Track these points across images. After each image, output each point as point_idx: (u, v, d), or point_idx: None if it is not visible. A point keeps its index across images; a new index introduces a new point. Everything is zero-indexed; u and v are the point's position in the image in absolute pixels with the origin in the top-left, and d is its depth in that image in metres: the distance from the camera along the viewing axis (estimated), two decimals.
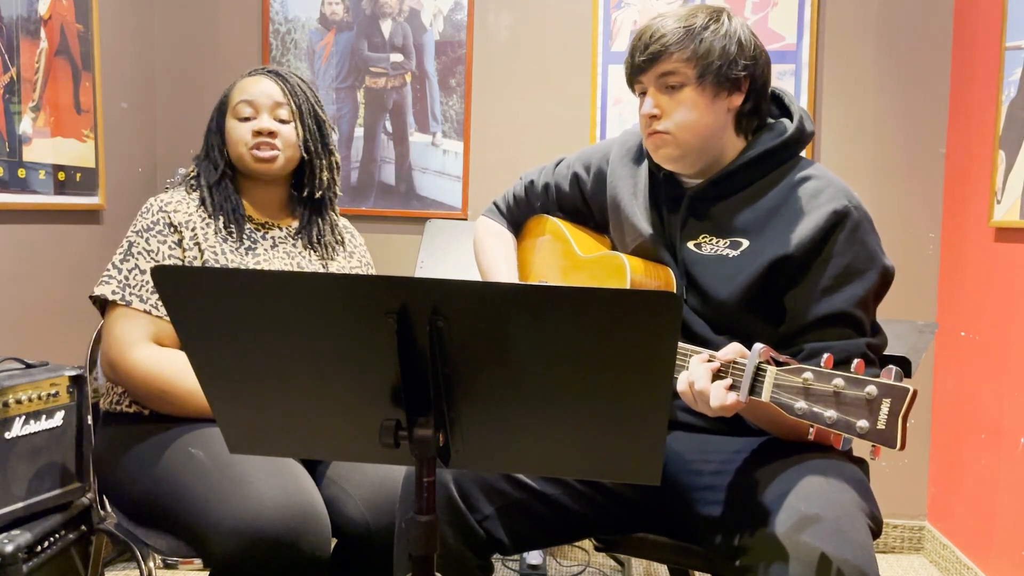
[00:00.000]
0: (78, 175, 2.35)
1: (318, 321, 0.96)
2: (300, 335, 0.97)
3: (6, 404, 1.58)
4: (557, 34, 2.82)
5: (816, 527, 1.18)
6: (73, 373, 1.69)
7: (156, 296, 1.55)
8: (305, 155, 1.69)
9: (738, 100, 1.41)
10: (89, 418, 1.72)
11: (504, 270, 1.69)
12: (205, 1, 2.87)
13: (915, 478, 2.82)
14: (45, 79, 2.20)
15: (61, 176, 2.28)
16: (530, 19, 2.82)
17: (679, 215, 1.47)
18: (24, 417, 1.62)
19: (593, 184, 1.62)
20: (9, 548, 1.54)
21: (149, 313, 1.55)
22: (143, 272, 1.56)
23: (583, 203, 1.66)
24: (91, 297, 1.60)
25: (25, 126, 2.13)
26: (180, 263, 1.57)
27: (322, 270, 1.70)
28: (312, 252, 1.72)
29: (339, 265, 1.75)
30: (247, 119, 1.65)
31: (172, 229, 1.59)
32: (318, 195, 1.72)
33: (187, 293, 0.97)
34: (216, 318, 0.98)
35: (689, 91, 1.38)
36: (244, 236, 1.64)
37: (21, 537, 1.57)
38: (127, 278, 1.56)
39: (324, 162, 1.72)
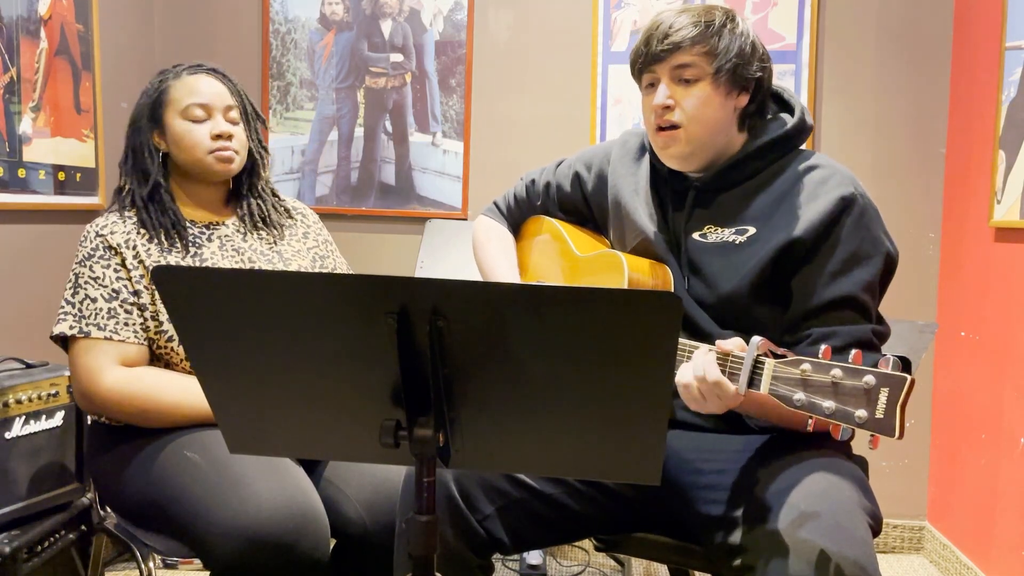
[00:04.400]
0: (78, 175, 2.35)
1: (318, 321, 0.96)
2: (300, 335, 0.97)
3: (6, 404, 1.58)
4: (557, 34, 2.82)
5: (815, 524, 1.19)
6: None
7: (113, 321, 1.52)
8: (256, 155, 1.71)
9: (744, 100, 1.43)
10: (89, 418, 1.72)
11: (505, 269, 1.69)
12: (205, 1, 2.86)
13: (915, 478, 2.82)
14: (45, 79, 2.20)
15: (61, 176, 2.28)
16: (530, 19, 2.82)
17: (684, 209, 1.47)
18: (24, 417, 1.62)
19: (595, 184, 1.62)
20: (9, 548, 1.54)
21: (110, 339, 1.51)
22: (94, 300, 1.53)
23: (583, 202, 1.66)
24: (51, 338, 1.55)
25: (25, 126, 2.13)
26: (127, 284, 1.54)
27: (276, 258, 1.68)
28: (260, 239, 1.70)
29: (294, 248, 1.73)
30: (200, 121, 1.62)
31: (112, 252, 1.56)
32: (259, 187, 1.74)
33: (187, 293, 0.97)
34: (216, 318, 0.98)
35: (704, 85, 1.39)
36: (188, 243, 1.61)
37: (21, 537, 1.56)
38: (80, 310, 1.53)
39: (263, 160, 1.74)
